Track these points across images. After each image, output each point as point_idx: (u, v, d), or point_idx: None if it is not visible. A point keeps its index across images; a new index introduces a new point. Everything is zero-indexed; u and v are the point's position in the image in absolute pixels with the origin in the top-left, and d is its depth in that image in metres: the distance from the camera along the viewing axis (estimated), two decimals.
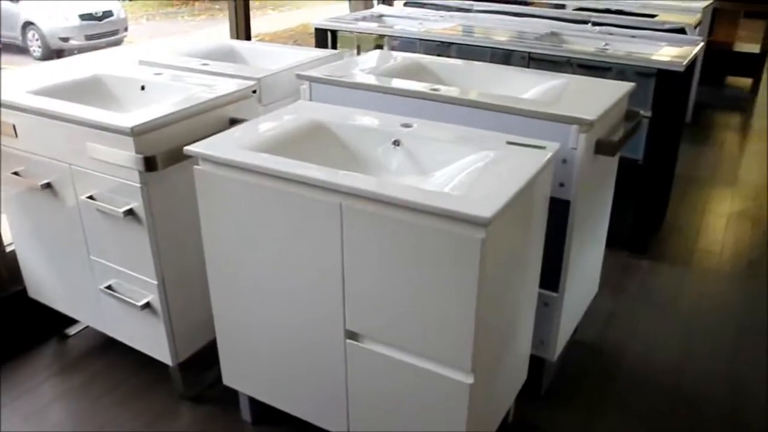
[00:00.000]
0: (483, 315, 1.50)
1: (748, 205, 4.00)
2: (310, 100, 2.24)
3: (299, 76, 2.26)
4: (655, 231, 3.50)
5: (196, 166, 1.77)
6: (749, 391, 2.42)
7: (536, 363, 2.19)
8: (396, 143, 1.84)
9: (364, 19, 3.75)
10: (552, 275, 2.05)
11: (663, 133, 3.00)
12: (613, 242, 2.76)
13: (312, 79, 2.24)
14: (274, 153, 1.72)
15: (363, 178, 1.57)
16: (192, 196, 1.82)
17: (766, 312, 2.90)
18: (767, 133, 5.37)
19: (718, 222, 3.77)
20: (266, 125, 1.95)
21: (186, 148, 1.76)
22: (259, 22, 11.60)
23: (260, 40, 10.36)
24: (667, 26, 3.53)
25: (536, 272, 1.92)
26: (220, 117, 2.14)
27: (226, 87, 2.21)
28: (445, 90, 2.06)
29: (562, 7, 4.35)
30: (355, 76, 2.23)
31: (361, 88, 2.15)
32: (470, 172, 1.64)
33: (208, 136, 1.85)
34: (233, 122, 2.15)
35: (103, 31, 9.61)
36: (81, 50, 8.93)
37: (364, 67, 2.41)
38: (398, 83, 2.17)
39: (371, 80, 2.19)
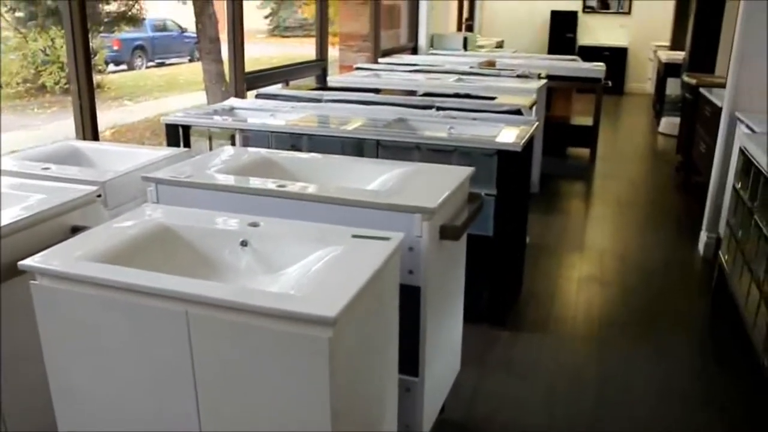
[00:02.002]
0: (339, 412, 1.49)
1: (595, 269, 4.26)
2: (157, 202, 2.20)
3: (145, 178, 2.23)
4: (513, 302, 3.65)
5: (32, 282, 1.68)
6: None
7: None
8: (244, 243, 1.83)
9: (215, 112, 3.75)
10: (410, 360, 2.08)
11: (509, 208, 3.16)
12: (472, 317, 2.85)
13: (158, 181, 2.20)
14: (118, 262, 1.67)
15: (208, 285, 1.55)
16: (33, 313, 1.72)
17: (620, 369, 3.07)
18: None
19: (570, 287, 3.99)
20: (110, 232, 1.89)
21: (20, 262, 1.67)
22: (114, 113, 11.35)
23: (116, 131, 10.14)
24: (505, 108, 3.76)
25: (394, 359, 1.94)
26: (61, 225, 2.06)
27: (67, 193, 2.14)
28: (292, 186, 2.09)
29: (413, 93, 4.56)
30: (203, 175, 2.22)
31: (208, 188, 2.14)
32: (317, 270, 1.65)
33: (49, 246, 1.77)
34: (76, 230, 2.06)
35: None
36: None
37: (214, 165, 2.40)
38: (246, 182, 2.18)
39: (218, 180, 2.19)
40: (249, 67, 4.62)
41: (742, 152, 3.54)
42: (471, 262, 2.57)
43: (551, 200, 5.67)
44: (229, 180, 2.20)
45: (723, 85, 4.51)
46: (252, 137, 3.47)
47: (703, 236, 4.54)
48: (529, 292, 3.82)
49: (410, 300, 1.97)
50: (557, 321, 3.54)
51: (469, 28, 10.31)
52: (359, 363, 1.65)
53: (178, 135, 3.60)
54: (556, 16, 12.11)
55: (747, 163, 3.40)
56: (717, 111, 4.71)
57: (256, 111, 3.81)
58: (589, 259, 4.45)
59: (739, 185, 3.53)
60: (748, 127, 3.89)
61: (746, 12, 4.12)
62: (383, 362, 1.85)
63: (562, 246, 4.65)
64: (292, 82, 5.15)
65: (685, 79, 6.58)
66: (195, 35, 10.84)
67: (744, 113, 4.07)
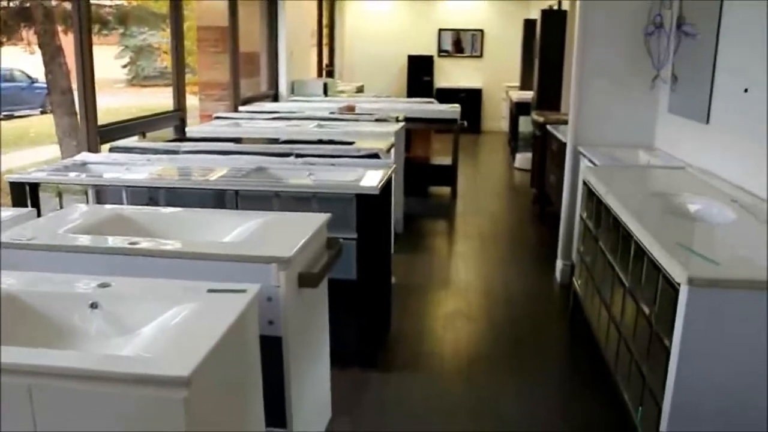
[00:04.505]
0: None
1: (461, 304, 4.38)
2: None
3: None
4: (382, 342, 3.68)
5: None
6: None
7: None
8: (94, 306, 1.76)
9: (66, 168, 3.60)
10: (277, 412, 2.06)
11: (371, 251, 3.22)
12: (342, 360, 2.87)
13: None
14: None
15: (51, 354, 1.48)
16: None
17: (490, 401, 3.17)
18: None
19: (438, 324, 4.08)
20: None
21: None
22: None
23: None
24: (362, 152, 3.85)
25: (259, 412, 1.91)
26: None
27: None
28: (144, 243, 2.04)
29: (276, 140, 4.56)
30: (48, 237, 2.13)
31: (54, 249, 2.05)
32: (171, 328, 1.62)
33: None
34: None
35: None
36: None
37: (62, 225, 2.30)
38: (95, 241, 2.10)
39: (64, 241, 2.10)
40: (108, 118, 4.48)
41: (585, 184, 3.79)
42: (337, 306, 2.59)
43: (415, 239, 5.80)
44: (76, 240, 2.12)
45: (566, 122, 4.82)
46: (106, 193, 3.35)
47: (559, 264, 4.79)
48: (398, 331, 3.87)
49: (272, 351, 1.96)
50: (427, 358, 3.61)
51: (330, 74, 10.48)
52: (221, 420, 1.61)
53: (25, 194, 3.42)
54: (413, 60, 12.56)
55: (590, 194, 3.63)
56: (562, 146, 5.03)
57: (110, 165, 3.69)
58: (455, 295, 4.58)
59: (585, 214, 3.77)
60: (590, 160, 4.17)
61: (580, 55, 4.45)
62: (247, 417, 1.82)
63: (427, 284, 4.76)
64: (149, 134, 5.02)
65: (534, 117, 6.99)
66: (46, 86, 10.38)
67: (585, 147, 4.37)
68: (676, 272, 2.13)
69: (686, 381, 2.14)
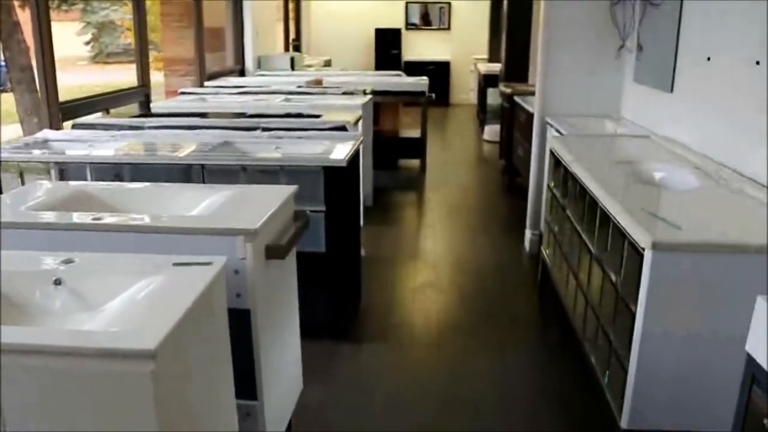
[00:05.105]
0: None
1: (431, 276, 4.41)
2: None
3: None
4: (353, 314, 3.70)
5: None
6: None
7: None
8: (57, 282, 1.73)
9: (27, 145, 3.53)
10: (248, 384, 2.06)
11: (340, 223, 3.22)
12: (313, 333, 2.87)
13: None
14: None
15: (16, 331, 1.45)
16: None
17: (462, 370, 3.20)
18: None
19: (408, 296, 4.11)
20: None
21: None
22: None
23: None
24: (329, 125, 3.83)
25: (229, 385, 1.91)
26: None
27: None
28: (108, 219, 2.02)
29: (243, 115, 4.52)
30: (11, 214, 2.09)
31: (16, 227, 2.01)
32: (136, 302, 1.60)
33: None
34: None
35: None
36: None
37: (25, 202, 2.26)
38: (58, 217, 2.07)
39: (27, 218, 2.06)
40: (73, 96, 4.39)
41: (552, 153, 3.81)
42: (307, 279, 2.58)
43: (385, 212, 5.80)
44: (39, 217, 2.08)
45: (534, 93, 4.83)
46: (70, 170, 3.29)
47: (528, 234, 4.84)
48: (368, 303, 3.89)
49: (241, 323, 1.96)
50: (397, 330, 3.63)
51: (297, 48, 10.37)
52: (189, 393, 1.61)
53: None
54: (380, 33, 12.48)
55: (557, 163, 3.66)
56: (530, 117, 5.05)
57: (73, 142, 3.62)
58: (425, 266, 4.60)
59: (552, 184, 3.80)
60: (557, 130, 4.20)
61: (547, 26, 4.46)
62: (217, 389, 1.81)
63: (397, 256, 4.78)
64: (113, 111, 4.94)
65: (502, 88, 7.00)
66: (4, 63, 10.12)
67: (552, 118, 4.39)
68: (641, 237, 2.16)
69: (651, 344, 2.18)
